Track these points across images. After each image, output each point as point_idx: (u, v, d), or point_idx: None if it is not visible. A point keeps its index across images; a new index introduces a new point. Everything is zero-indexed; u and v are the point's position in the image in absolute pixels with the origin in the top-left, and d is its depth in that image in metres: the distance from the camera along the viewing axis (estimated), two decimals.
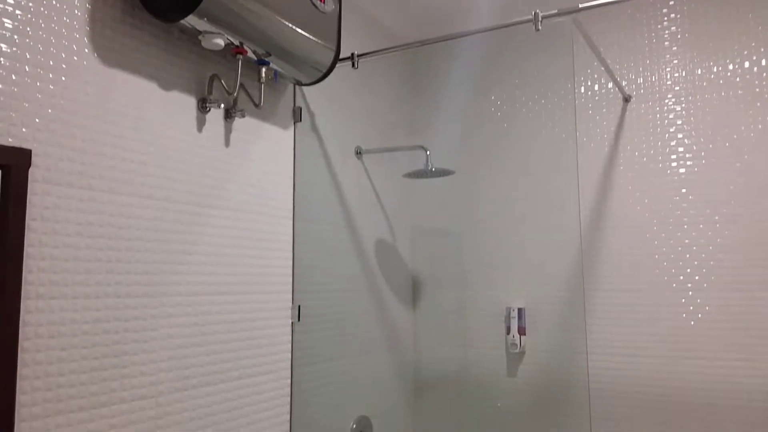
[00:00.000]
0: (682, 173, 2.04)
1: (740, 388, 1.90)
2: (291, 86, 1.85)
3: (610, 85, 2.17)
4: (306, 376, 1.84)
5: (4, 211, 1.08)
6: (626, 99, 2.14)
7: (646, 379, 2.02)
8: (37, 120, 1.16)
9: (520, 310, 2.23)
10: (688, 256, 2.00)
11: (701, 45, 2.05)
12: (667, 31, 2.10)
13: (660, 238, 2.05)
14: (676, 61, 2.08)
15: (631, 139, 2.12)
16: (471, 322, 2.34)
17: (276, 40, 1.50)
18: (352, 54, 1.79)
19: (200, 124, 1.52)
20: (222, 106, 1.56)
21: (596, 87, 2.20)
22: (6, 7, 1.13)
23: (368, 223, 2.21)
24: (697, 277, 1.98)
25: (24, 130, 1.14)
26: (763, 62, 1.96)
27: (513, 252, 2.28)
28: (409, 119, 2.52)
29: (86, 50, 1.26)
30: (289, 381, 1.77)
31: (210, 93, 1.53)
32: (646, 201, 2.08)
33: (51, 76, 1.19)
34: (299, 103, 1.87)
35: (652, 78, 2.11)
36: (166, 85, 1.43)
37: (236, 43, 1.44)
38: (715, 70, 2.02)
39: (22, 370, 1.11)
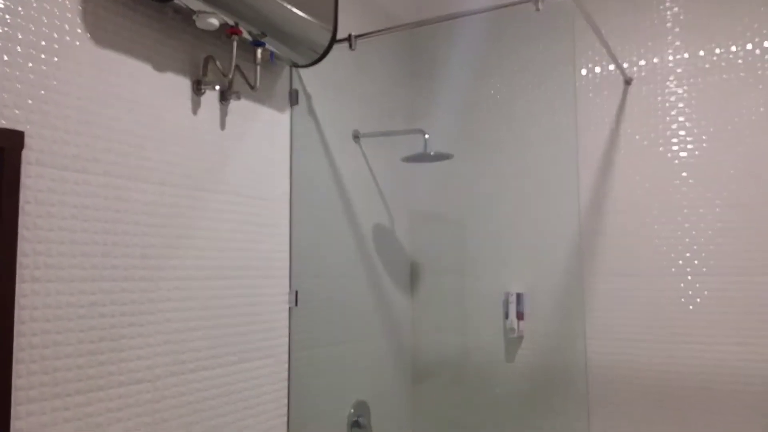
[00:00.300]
0: (683, 157, 2.02)
1: (738, 372, 1.90)
2: (287, 68, 1.83)
3: (612, 67, 2.15)
4: (304, 361, 1.84)
5: None
6: (627, 82, 2.12)
7: (644, 364, 2.02)
8: (29, 101, 1.14)
9: (518, 295, 2.22)
10: (687, 240, 1.99)
11: (704, 26, 2.02)
12: (669, 12, 2.08)
13: (660, 222, 2.04)
14: (678, 43, 2.06)
15: (631, 122, 2.11)
16: (469, 308, 2.34)
17: (271, 20, 1.48)
18: (350, 35, 1.77)
19: (195, 106, 1.50)
20: (217, 88, 1.54)
21: (597, 69, 2.18)
22: None
23: (366, 208, 2.19)
24: (696, 262, 1.98)
25: (17, 111, 1.12)
26: (766, 44, 1.93)
27: (512, 237, 2.28)
28: (407, 102, 2.50)
29: (79, 30, 1.24)
30: (286, 366, 1.76)
31: (205, 75, 1.51)
32: (646, 185, 2.07)
33: (43, 56, 1.17)
34: (296, 85, 1.85)
35: (653, 60, 2.09)
36: (160, 67, 1.41)
37: (231, 23, 1.42)
38: (717, 52, 2.00)
39: (18, 354, 1.10)
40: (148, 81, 1.38)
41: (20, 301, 1.11)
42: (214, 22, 1.37)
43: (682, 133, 2.03)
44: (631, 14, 2.13)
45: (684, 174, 2.01)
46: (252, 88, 1.59)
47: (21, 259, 1.11)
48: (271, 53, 1.62)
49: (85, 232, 1.23)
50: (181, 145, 1.46)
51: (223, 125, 1.58)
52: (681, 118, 2.03)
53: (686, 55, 2.04)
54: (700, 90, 2.02)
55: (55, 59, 1.19)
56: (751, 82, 1.94)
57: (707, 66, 2.01)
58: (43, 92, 1.17)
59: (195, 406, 1.46)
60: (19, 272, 1.11)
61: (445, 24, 2.46)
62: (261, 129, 1.71)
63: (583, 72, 2.20)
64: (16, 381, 1.10)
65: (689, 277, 1.98)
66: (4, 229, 1.08)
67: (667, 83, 2.06)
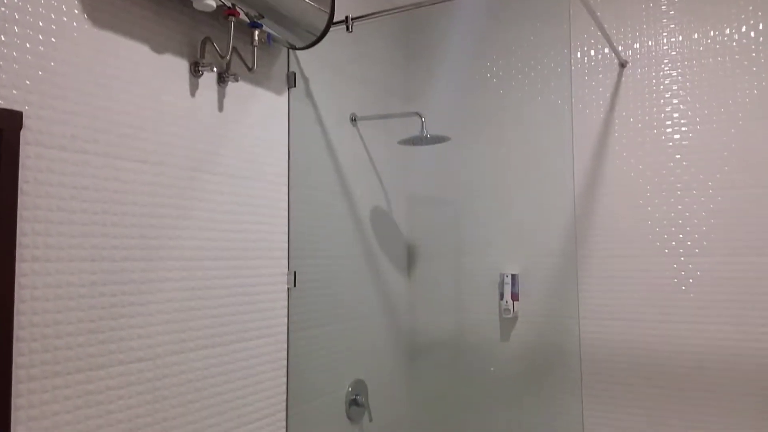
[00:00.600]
0: (677, 139, 2.04)
1: (730, 351, 1.93)
2: (285, 51, 1.83)
3: (607, 50, 2.16)
4: (302, 341, 1.86)
5: None
6: (622, 65, 2.13)
7: (637, 343, 2.05)
8: (27, 82, 1.15)
9: (513, 277, 2.25)
10: (680, 221, 2.02)
11: (698, 9, 2.03)
12: None
13: (653, 204, 2.06)
14: (673, 26, 2.06)
15: (626, 105, 2.12)
16: (465, 289, 2.36)
17: (268, 1, 1.48)
18: (347, 17, 1.77)
19: (193, 88, 1.51)
20: (215, 70, 1.54)
21: (592, 53, 2.18)
22: None
23: (364, 190, 2.20)
24: (689, 243, 2.00)
25: (14, 92, 1.13)
26: (761, 26, 1.94)
27: (507, 219, 2.29)
28: (404, 85, 2.50)
29: (76, 11, 1.24)
30: (285, 345, 1.78)
31: (202, 57, 1.51)
32: (640, 167, 2.08)
33: (41, 37, 1.17)
34: (293, 68, 1.85)
35: (648, 43, 2.09)
36: (157, 48, 1.41)
37: (228, 4, 1.42)
38: (711, 34, 2.01)
39: (18, 332, 1.11)
40: (146, 62, 1.38)
41: (20, 280, 1.12)
42: (211, 3, 1.37)
43: (676, 115, 2.04)
44: None
45: (677, 156, 2.03)
46: (249, 70, 1.59)
47: (20, 239, 1.12)
48: (269, 35, 1.62)
49: (84, 212, 1.24)
50: (179, 127, 1.46)
51: (221, 107, 1.58)
52: (675, 101, 2.05)
53: (681, 38, 2.05)
54: (694, 73, 2.03)
55: (53, 40, 1.19)
56: (746, 65, 1.96)
57: (701, 49, 2.02)
58: (40, 73, 1.17)
59: (195, 384, 1.48)
60: (19, 252, 1.12)
61: (442, 7, 2.45)
62: (259, 111, 1.71)
63: (578, 55, 2.21)
64: (17, 359, 1.11)
65: (682, 258, 2.00)
66: (3, 209, 1.09)
67: (662, 66, 2.07)
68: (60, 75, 1.20)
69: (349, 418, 2.05)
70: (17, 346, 1.11)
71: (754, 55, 1.95)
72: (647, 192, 2.07)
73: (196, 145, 1.51)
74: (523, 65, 2.29)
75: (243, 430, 1.61)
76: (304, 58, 1.90)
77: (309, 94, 1.93)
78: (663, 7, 2.08)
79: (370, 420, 2.10)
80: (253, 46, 1.56)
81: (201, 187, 1.52)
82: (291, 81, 1.83)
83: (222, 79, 1.57)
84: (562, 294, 2.18)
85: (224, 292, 1.58)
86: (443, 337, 2.40)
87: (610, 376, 2.09)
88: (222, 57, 1.52)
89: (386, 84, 2.37)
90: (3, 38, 1.11)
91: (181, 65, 1.47)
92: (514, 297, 2.24)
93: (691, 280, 1.99)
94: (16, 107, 1.13)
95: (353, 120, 2.15)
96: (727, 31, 1.98)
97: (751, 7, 1.95)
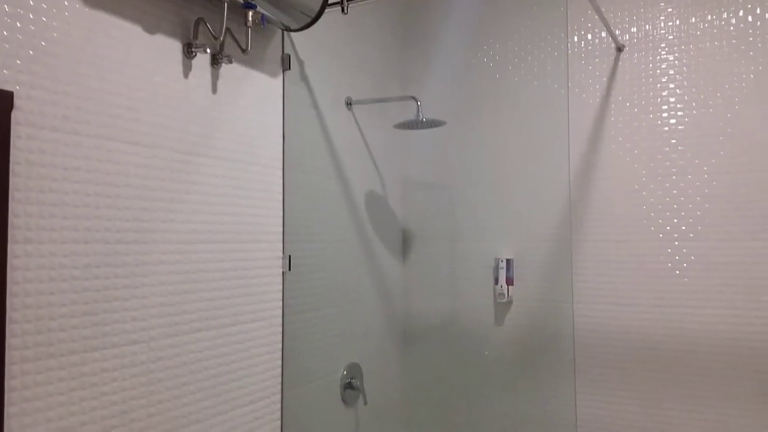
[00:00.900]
0: (673, 123, 2.03)
1: (723, 335, 1.94)
2: (279, 32, 1.81)
3: (604, 34, 2.15)
4: (297, 324, 1.86)
5: None
6: (619, 48, 2.12)
7: (630, 327, 2.06)
8: (18, 62, 1.13)
9: (508, 261, 2.25)
10: (675, 206, 2.02)
11: None
12: None
13: (648, 188, 2.06)
14: (670, 10, 2.05)
15: (622, 89, 2.11)
16: (460, 273, 2.37)
17: None
18: None
19: (186, 69, 1.49)
20: (208, 51, 1.53)
21: (589, 36, 2.17)
22: None
23: (359, 175, 2.20)
24: (683, 228, 2.00)
25: (5, 71, 1.11)
26: (758, 11, 1.93)
27: (503, 203, 2.29)
28: (400, 69, 2.48)
29: None
30: (280, 329, 1.79)
31: (195, 38, 1.49)
32: (635, 152, 2.08)
33: (31, 16, 1.16)
34: (288, 50, 1.84)
35: (645, 27, 2.08)
36: (150, 29, 1.40)
37: None
38: (709, 18, 2.00)
39: (11, 314, 1.11)
40: (138, 43, 1.37)
41: (13, 261, 1.12)
42: None
43: (672, 100, 2.04)
44: None
45: (673, 141, 2.03)
46: (243, 51, 1.57)
47: (12, 220, 1.12)
48: (263, 16, 1.60)
49: (77, 194, 1.23)
50: (172, 109, 1.45)
51: (214, 89, 1.57)
52: (671, 85, 2.04)
53: (678, 22, 2.04)
54: (691, 57, 2.02)
55: (44, 19, 1.18)
56: (743, 49, 1.95)
57: (698, 33, 2.01)
58: (31, 52, 1.16)
59: (190, 367, 1.48)
60: (11, 233, 1.11)
61: None
62: (253, 94, 1.70)
63: (575, 39, 2.19)
64: (10, 341, 1.11)
65: (676, 243, 2.01)
66: None
67: (659, 50, 2.06)
68: (51, 55, 1.19)
69: (344, 401, 2.06)
70: (10, 328, 1.11)
71: (751, 39, 1.94)
72: (642, 177, 2.07)
73: (190, 127, 1.50)
74: (520, 49, 2.28)
75: (238, 413, 1.62)
76: (299, 40, 1.89)
77: (304, 77, 1.91)
78: None
79: (365, 403, 2.11)
80: (247, 27, 1.55)
81: (195, 170, 1.51)
82: (285, 63, 1.82)
83: (215, 61, 1.56)
84: (557, 279, 2.19)
85: (219, 276, 1.57)
86: (438, 321, 2.41)
87: (604, 360, 2.10)
88: (215, 38, 1.51)
89: (382, 67, 2.36)
90: None
91: (174, 46, 1.46)
92: (509, 282, 2.25)
93: (685, 265, 2.00)
94: (6, 87, 1.11)
95: (348, 104, 2.14)
96: (725, 15, 1.97)
97: None
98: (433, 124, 2.03)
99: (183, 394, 1.46)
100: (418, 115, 2.01)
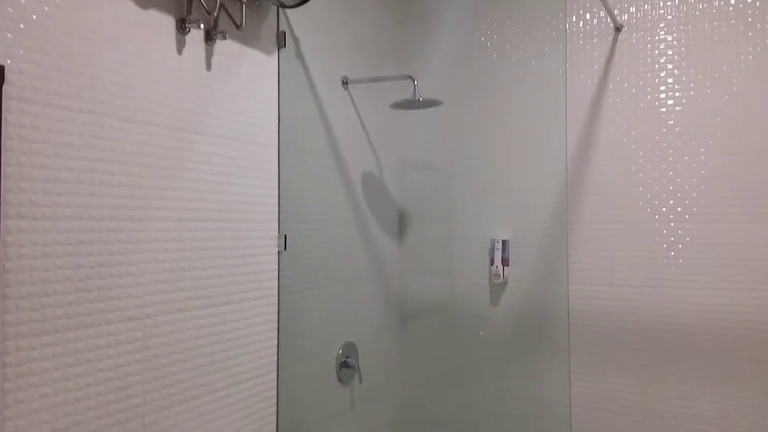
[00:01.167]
0: (670, 105, 2.02)
1: (718, 316, 1.95)
2: (274, 9, 1.79)
3: (602, 14, 2.13)
4: (293, 304, 1.86)
5: None
6: (618, 29, 2.10)
7: (625, 308, 2.07)
8: (9, 35, 1.12)
9: (504, 242, 2.25)
10: (671, 188, 2.02)
11: None
12: None
13: (645, 170, 2.05)
14: None
15: (620, 70, 2.10)
16: (456, 254, 2.37)
17: None
18: None
19: (180, 45, 1.47)
20: (202, 27, 1.50)
21: (588, 16, 2.15)
22: None
23: (355, 155, 2.19)
24: (679, 209, 2.00)
25: None
26: None
27: (499, 184, 2.29)
28: (397, 48, 2.46)
29: None
30: (276, 308, 1.79)
31: (189, 13, 1.47)
32: (632, 133, 2.08)
33: None
34: (283, 27, 1.82)
35: (645, 7, 2.07)
36: (143, 3, 1.38)
37: None
38: None
39: (5, 290, 1.11)
40: (131, 18, 1.35)
41: (6, 238, 1.11)
42: None
43: (670, 81, 2.03)
44: None
45: (671, 122, 2.02)
46: (238, 28, 1.56)
47: (5, 195, 1.11)
48: None
49: (70, 170, 1.22)
50: (166, 85, 1.44)
51: (208, 66, 1.55)
52: (670, 66, 2.03)
53: (677, 2, 2.02)
54: (689, 38, 2.00)
55: None
56: (742, 30, 1.93)
57: (697, 13, 1.99)
58: (23, 26, 1.14)
59: (186, 345, 1.48)
60: (4, 209, 1.11)
61: None
62: (248, 71, 1.68)
63: (574, 19, 2.17)
64: (4, 317, 1.11)
65: (672, 224, 2.01)
66: None
67: (657, 30, 2.05)
68: (43, 29, 1.17)
69: (340, 379, 2.08)
70: (4, 304, 1.11)
71: (750, 20, 1.93)
72: (639, 158, 2.06)
73: (184, 104, 1.48)
74: (518, 29, 2.26)
75: (234, 390, 1.63)
76: (294, 17, 1.87)
77: (299, 55, 1.89)
78: None
79: (360, 381, 2.12)
80: (242, 3, 1.53)
81: (189, 148, 1.50)
82: (281, 41, 1.80)
83: (209, 37, 1.54)
84: (553, 259, 2.19)
85: (214, 254, 1.57)
86: (433, 301, 2.42)
87: (598, 340, 2.11)
88: (209, 14, 1.49)
89: (379, 46, 2.34)
90: None
91: (167, 22, 1.44)
92: (505, 262, 2.25)
93: (680, 246, 2.00)
94: None
95: (345, 83, 2.12)
96: None
97: None
98: (430, 103, 2.01)
99: (179, 371, 1.46)
100: (415, 95, 1.99)
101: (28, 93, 1.15)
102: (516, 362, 2.24)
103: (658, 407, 2.02)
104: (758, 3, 1.91)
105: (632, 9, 2.08)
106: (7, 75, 1.12)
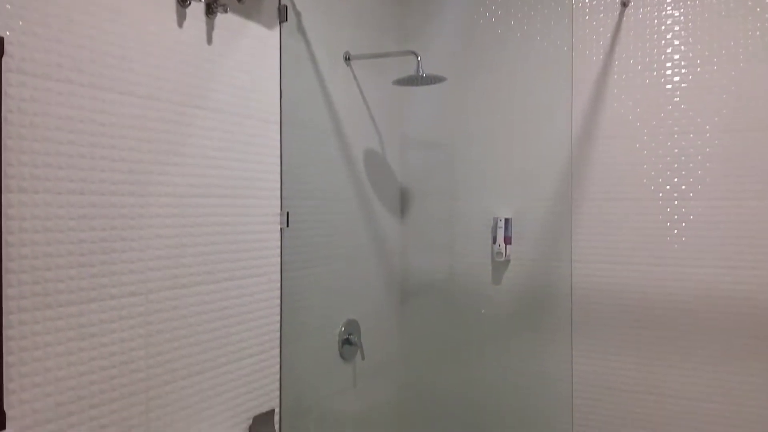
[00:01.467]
0: (677, 81, 2.00)
1: (721, 294, 1.95)
2: None
3: None
4: (295, 281, 1.86)
5: None
6: (624, 4, 2.07)
7: (628, 286, 2.07)
8: (8, 6, 1.10)
9: (506, 220, 2.24)
10: (676, 165, 2.00)
11: None
12: None
13: (650, 147, 2.04)
14: None
15: (627, 46, 2.07)
16: (458, 232, 2.36)
17: None
18: None
19: (180, 18, 1.45)
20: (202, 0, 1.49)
21: None
22: None
23: (357, 131, 2.17)
24: (683, 187, 1.99)
25: None
26: None
27: (503, 162, 2.27)
28: (400, 23, 2.43)
29: None
30: (278, 284, 1.79)
31: None
32: (638, 110, 2.06)
33: None
34: (284, 1, 1.79)
35: None
36: None
37: None
38: None
39: (7, 264, 1.10)
40: None
41: (7, 211, 1.10)
42: None
43: (676, 57, 2.00)
44: None
45: (676, 99, 2.00)
46: (239, 0, 1.53)
47: (6, 169, 1.10)
48: None
49: (71, 144, 1.21)
50: (166, 59, 1.42)
51: (209, 40, 1.53)
52: (676, 42, 2.00)
53: None
54: (696, 13, 1.97)
55: None
56: (749, 5, 1.90)
57: None
58: None
59: (188, 320, 1.48)
60: (5, 182, 1.10)
61: None
62: (249, 45, 1.66)
63: None
64: (7, 290, 1.10)
65: (676, 202, 2.00)
66: None
67: (664, 5, 2.02)
68: (42, 0, 1.15)
69: (342, 356, 2.08)
70: (6, 278, 1.10)
71: None
72: (644, 135, 2.05)
73: (185, 78, 1.47)
74: (523, 4, 2.23)
75: (237, 366, 1.63)
76: None
77: (301, 30, 1.87)
78: None
79: (363, 358, 2.13)
80: None
81: (190, 122, 1.49)
82: (282, 15, 1.77)
83: (210, 10, 1.52)
84: (556, 237, 2.18)
85: (216, 230, 1.57)
86: (435, 279, 2.42)
87: (601, 318, 2.11)
88: None
89: (381, 21, 2.31)
90: None
91: None
92: (507, 240, 2.25)
93: (684, 224, 1.99)
94: None
95: (347, 59, 2.10)
96: None
97: None
98: (433, 80, 1.99)
99: (182, 347, 1.46)
100: (418, 71, 1.97)
101: (28, 65, 1.13)
102: (517, 340, 2.25)
103: (660, 385, 2.03)
104: None
105: None
106: (6, 47, 1.10)
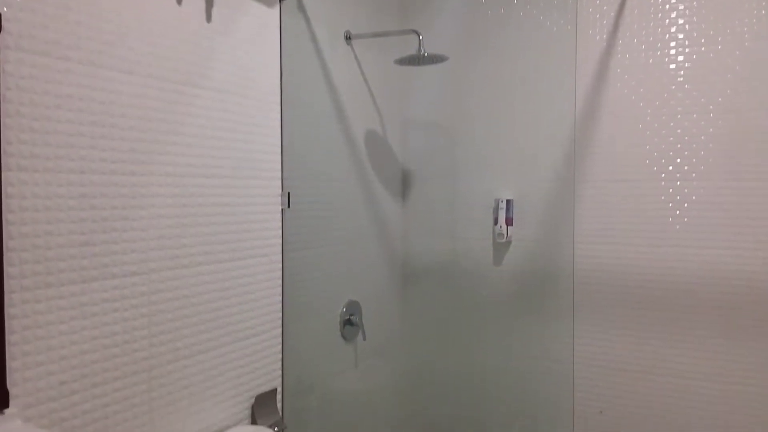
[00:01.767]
0: (680, 61, 1.98)
1: (723, 275, 1.95)
2: None
3: None
4: (297, 261, 1.86)
5: None
6: None
7: (629, 267, 2.07)
8: None
9: (508, 202, 2.24)
10: (679, 146, 1.99)
11: None
12: None
13: (653, 128, 2.03)
14: None
15: (631, 25, 2.05)
16: (460, 214, 2.36)
17: None
18: None
19: None
20: None
21: None
22: None
23: (358, 112, 2.16)
24: (686, 167, 1.98)
25: None
26: None
27: (505, 143, 2.26)
28: (401, 1, 2.40)
29: None
30: (280, 265, 1.79)
31: None
32: (641, 90, 2.04)
33: None
34: None
35: None
36: None
37: None
38: None
39: (8, 242, 1.10)
40: None
41: (7, 189, 1.10)
42: None
43: (680, 36, 1.98)
44: None
45: (680, 79, 1.98)
46: None
47: (5, 147, 1.09)
48: None
49: (70, 122, 1.20)
50: (165, 37, 1.40)
51: (209, 17, 1.52)
52: (681, 21, 1.98)
53: None
54: None
55: None
56: None
57: None
58: None
59: (191, 300, 1.48)
60: (4, 160, 1.09)
61: None
62: (249, 24, 1.64)
63: None
64: (8, 269, 1.10)
65: (678, 183, 1.99)
66: None
67: None
68: None
69: (344, 336, 2.09)
70: (7, 256, 1.10)
71: None
72: (647, 116, 2.03)
73: (184, 57, 1.45)
74: None
75: (239, 345, 1.64)
76: None
77: (301, 8, 1.85)
78: None
79: (364, 339, 2.14)
80: None
81: (190, 102, 1.47)
82: None
83: None
84: (558, 218, 2.18)
85: (217, 210, 1.56)
86: (436, 260, 2.42)
87: (602, 298, 2.11)
88: None
89: (383, 0, 2.28)
90: None
91: None
92: (509, 222, 2.24)
93: (686, 205, 1.99)
94: None
95: (348, 38, 2.08)
96: None
97: None
98: (435, 59, 1.97)
99: (184, 326, 1.47)
100: (419, 50, 1.95)
101: (26, 42, 1.12)
102: (519, 321, 2.25)
103: (661, 365, 2.03)
104: None
105: None
106: (3, 23, 1.09)
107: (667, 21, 2.00)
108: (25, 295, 1.13)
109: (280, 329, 1.79)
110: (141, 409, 1.36)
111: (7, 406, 1.09)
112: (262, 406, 1.70)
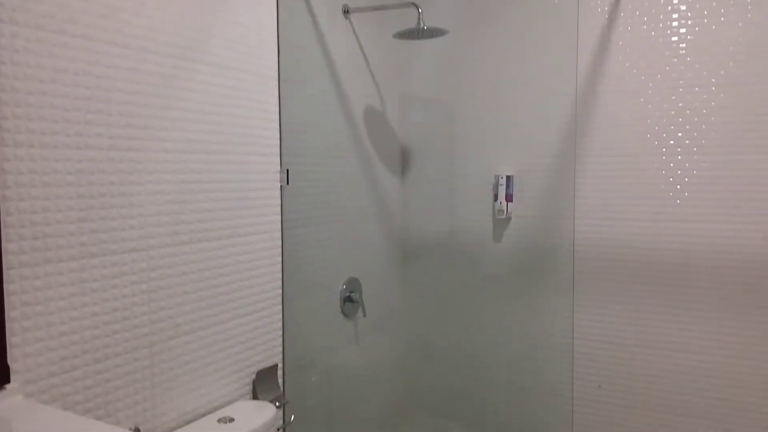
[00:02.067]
0: (683, 33, 1.96)
1: (721, 249, 1.95)
2: None
3: None
4: (297, 238, 1.85)
5: None
6: None
7: (629, 242, 2.07)
8: None
9: (508, 178, 2.23)
10: (680, 120, 1.98)
11: None
12: None
13: (654, 102, 2.01)
14: None
15: None
16: (459, 191, 2.35)
17: None
18: None
19: None
20: None
21: None
22: None
23: (356, 87, 2.14)
24: (687, 141, 1.97)
25: None
26: None
27: (505, 119, 2.24)
28: None
29: None
30: (280, 242, 1.78)
31: None
32: (643, 64, 2.02)
33: None
34: None
35: None
36: None
37: None
38: None
39: (5, 218, 1.09)
40: None
41: (3, 165, 1.09)
42: None
43: (683, 8, 1.96)
44: None
45: (682, 52, 1.96)
46: None
47: (0, 122, 1.08)
48: None
49: (66, 97, 1.19)
50: (161, 10, 1.38)
51: None
52: None
53: None
54: None
55: None
56: None
57: None
58: None
59: (191, 276, 1.48)
60: (0, 135, 1.08)
61: None
62: None
63: None
64: (6, 245, 1.10)
65: (679, 157, 1.98)
66: None
67: None
68: None
69: (344, 313, 2.09)
70: (5, 232, 1.09)
71: None
72: (649, 89, 2.01)
73: (180, 31, 1.43)
74: None
75: (240, 321, 1.64)
76: None
77: None
78: None
79: (364, 315, 2.14)
80: None
81: (187, 77, 1.45)
82: None
83: None
84: (558, 194, 2.17)
85: (216, 187, 1.55)
86: (436, 237, 2.41)
87: (601, 273, 2.11)
88: None
89: None
90: None
91: None
92: (509, 198, 2.23)
93: (687, 179, 1.98)
94: None
95: (346, 11, 2.05)
96: None
97: None
98: (434, 33, 1.95)
99: (185, 302, 1.47)
100: (419, 24, 1.92)
101: (20, 15, 1.10)
102: (519, 297, 2.26)
103: (660, 339, 2.04)
104: None
105: None
106: None
107: None
108: (24, 271, 1.13)
109: (281, 306, 1.79)
110: (143, 384, 1.37)
111: (8, 381, 1.10)
112: (263, 381, 1.71)
